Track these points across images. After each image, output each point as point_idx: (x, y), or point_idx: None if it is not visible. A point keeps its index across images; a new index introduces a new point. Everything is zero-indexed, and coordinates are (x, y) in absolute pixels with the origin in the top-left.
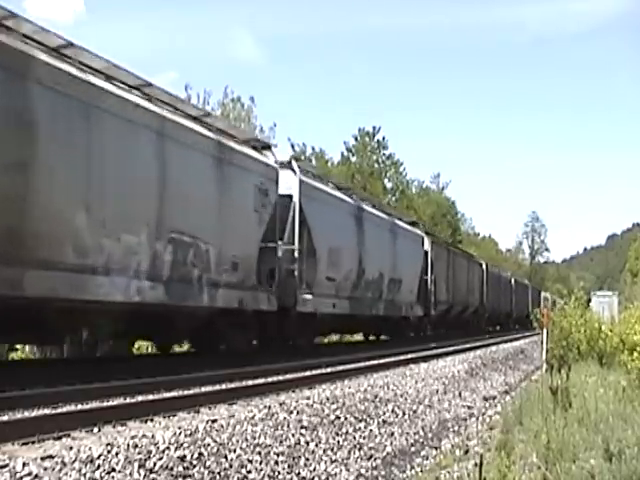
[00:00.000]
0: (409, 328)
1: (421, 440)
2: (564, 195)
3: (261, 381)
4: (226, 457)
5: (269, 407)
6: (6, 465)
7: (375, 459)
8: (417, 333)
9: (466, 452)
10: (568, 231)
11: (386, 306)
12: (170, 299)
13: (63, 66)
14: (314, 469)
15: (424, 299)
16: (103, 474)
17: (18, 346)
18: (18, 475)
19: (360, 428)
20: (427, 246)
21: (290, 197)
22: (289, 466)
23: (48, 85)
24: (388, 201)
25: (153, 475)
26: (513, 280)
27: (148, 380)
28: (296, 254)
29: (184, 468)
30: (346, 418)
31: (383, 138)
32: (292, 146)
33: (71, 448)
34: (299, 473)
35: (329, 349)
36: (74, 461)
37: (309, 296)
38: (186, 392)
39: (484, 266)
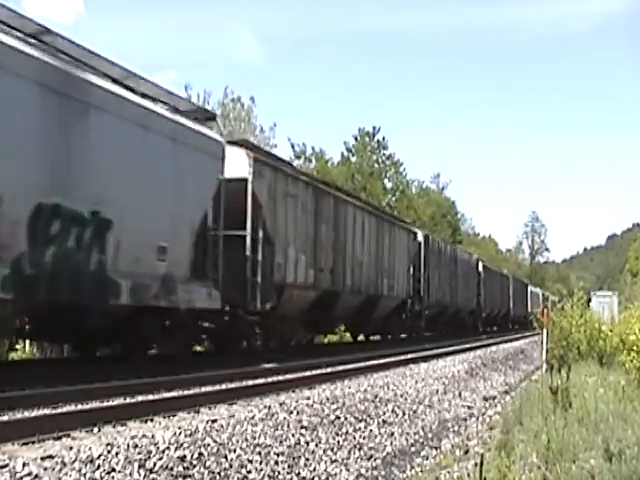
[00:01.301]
0: (161, 336)
1: (421, 440)
2: (564, 195)
3: (261, 381)
4: (226, 457)
5: (269, 407)
6: (6, 465)
7: (375, 459)
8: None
9: (466, 452)
10: (568, 231)
11: (32, 280)
12: None
13: None
14: (314, 469)
15: (232, 276)
16: (103, 474)
17: (18, 346)
18: (18, 475)
19: (360, 428)
20: (242, 170)
21: None
22: (289, 466)
23: None
24: (388, 201)
25: (153, 475)
26: (481, 266)
27: (148, 380)
28: None
29: (184, 468)
30: (346, 418)
31: (383, 138)
32: (292, 146)
33: (71, 448)
34: (299, 473)
35: (329, 349)
36: (74, 461)
37: None
38: (186, 392)
39: (420, 237)
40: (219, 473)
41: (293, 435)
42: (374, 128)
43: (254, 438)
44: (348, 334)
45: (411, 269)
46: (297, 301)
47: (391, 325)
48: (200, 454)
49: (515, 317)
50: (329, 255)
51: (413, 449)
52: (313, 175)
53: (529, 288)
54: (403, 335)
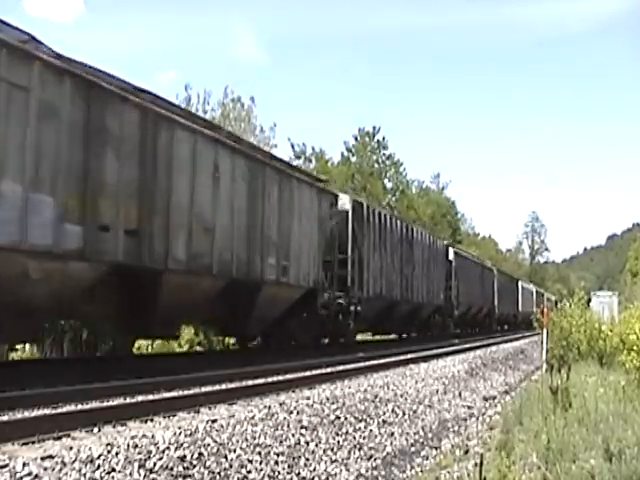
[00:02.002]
0: None
1: (421, 440)
2: (564, 195)
3: (261, 381)
4: (226, 457)
5: (269, 407)
6: (6, 465)
7: (375, 459)
8: None
9: (466, 452)
10: (568, 231)
11: None
12: None
13: None
14: (314, 469)
15: None
16: (103, 474)
17: (18, 346)
18: (18, 475)
19: (360, 428)
20: None
21: None
22: (289, 466)
23: None
24: (388, 201)
25: (153, 475)
26: (452, 253)
27: (148, 380)
28: None
29: (184, 468)
30: (346, 418)
31: (383, 138)
32: (292, 146)
33: (71, 448)
34: (299, 473)
35: (329, 349)
36: (74, 461)
37: None
38: (186, 392)
39: (347, 204)
40: (219, 473)
41: (293, 435)
42: (374, 128)
43: (254, 438)
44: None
45: (337, 248)
46: (45, 281)
47: (292, 326)
48: (200, 454)
49: (502, 317)
50: (126, 205)
51: (413, 449)
52: (85, 65)
53: (520, 284)
54: (324, 340)
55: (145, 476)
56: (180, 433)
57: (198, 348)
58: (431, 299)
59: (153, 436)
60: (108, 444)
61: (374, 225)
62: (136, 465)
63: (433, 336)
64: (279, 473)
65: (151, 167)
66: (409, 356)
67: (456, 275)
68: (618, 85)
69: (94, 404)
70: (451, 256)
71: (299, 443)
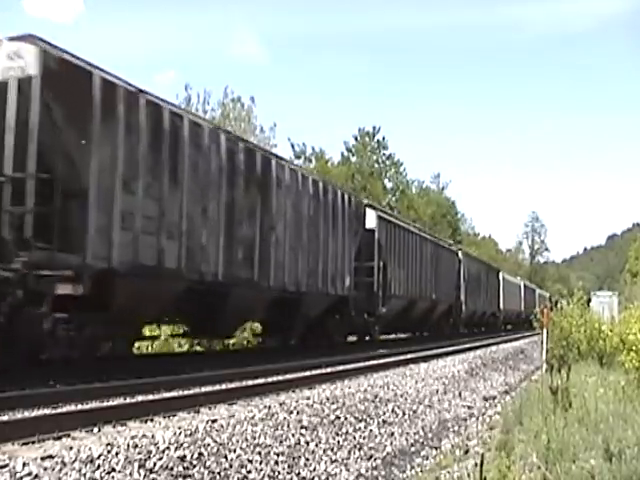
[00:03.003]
0: None
1: (421, 440)
2: (564, 195)
3: (261, 381)
4: (226, 457)
5: (269, 407)
6: (6, 465)
7: (375, 459)
8: None
9: (466, 452)
10: (568, 231)
11: None
12: None
13: None
14: (314, 469)
15: None
16: (103, 474)
17: None
18: (18, 475)
19: (360, 428)
20: None
21: None
22: (289, 466)
23: None
24: (388, 201)
25: (153, 475)
26: (374, 217)
27: (148, 380)
28: None
29: (184, 468)
30: (346, 418)
31: (383, 138)
32: (292, 146)
33: (71, 448)
34: (299, 473)
35: (329, 349)
36: (74, 461)
37: None
38: (186, 392)
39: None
40: (219, 473)
41: (293, 435)
42: (374, 128)
43: (254, 438)
44: None
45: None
46: None
47: None
48: (200, 454)
49: (474, 316)
50: None
51: (413, 449)
52: None
53: (502, 275)
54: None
55: (145, 476)
56: (180, 433)
57: (198, 348)
58: (322, 286)
59: (153, 436)
60: (108, 444)
61: (133, 123)
62: (136, 465)
63: (333, 344)
64: (279, 473)
65: None
66: (409, 356)
67: (381, 253)
68: (618, 83)
69: (94, 404)
70: (372, 222)
71: (299, 443)
